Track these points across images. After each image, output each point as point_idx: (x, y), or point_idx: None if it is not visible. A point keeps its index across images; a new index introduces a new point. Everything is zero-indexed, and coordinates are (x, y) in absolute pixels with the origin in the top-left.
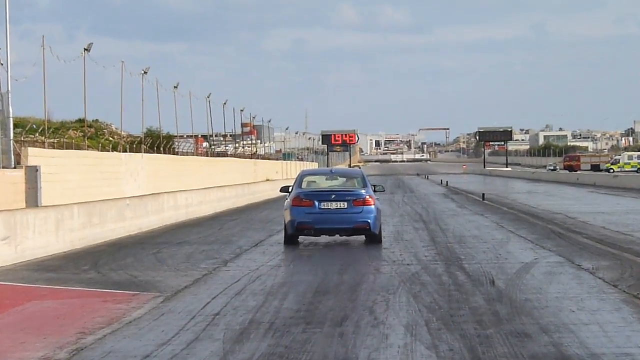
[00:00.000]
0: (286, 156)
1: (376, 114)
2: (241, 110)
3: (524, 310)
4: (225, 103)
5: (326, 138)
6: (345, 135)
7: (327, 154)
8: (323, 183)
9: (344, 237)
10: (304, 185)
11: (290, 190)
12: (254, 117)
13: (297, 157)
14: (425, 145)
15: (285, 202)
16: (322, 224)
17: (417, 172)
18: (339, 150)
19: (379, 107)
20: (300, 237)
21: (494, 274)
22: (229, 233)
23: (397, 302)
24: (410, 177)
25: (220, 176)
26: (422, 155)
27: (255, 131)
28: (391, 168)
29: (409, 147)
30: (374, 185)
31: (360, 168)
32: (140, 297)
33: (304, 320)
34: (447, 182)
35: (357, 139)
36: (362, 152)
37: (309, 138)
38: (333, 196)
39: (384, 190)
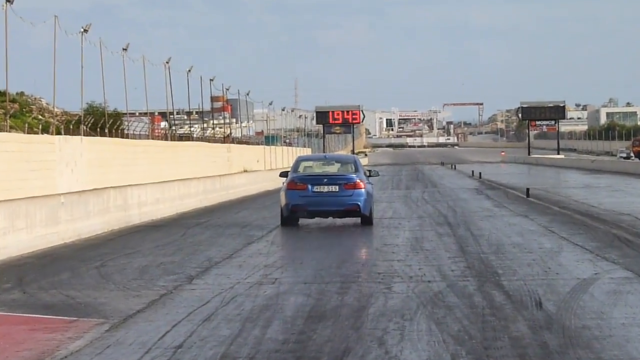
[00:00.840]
0: (270, 140)
1: (387, 85)
2: (211, 80)
3: (580, 341)
4: (189, 70)
5: (322, 116)
6: (347, 112)
7: (324, 137)
8: (318, 168)
9: (341, 257)
10: (300, 170)
11: (287, 175)
12: (227, 89)
13: (284, 141)
14: (451, 126)
15: (282, 185)
16: (315, 206)
17: (441, 161)
18: (338, 131)
19: (390, 76)
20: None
21: (542, 294)
22: (195, 240)
23: (414, 331)
24: (432, 167)
25: (183, 166)
26: (448, 139)
27: (229, 107)
28: (407, 155)
29: (431, 127)
30: (369, 170)
31: (366, 155)
32: (79, 324)
33: (292, 354)
34: (480, 173)
35: (362, 117)
36: (370, 134)
37: (300, 116)
38: (325, 180)
39: (378, 175)
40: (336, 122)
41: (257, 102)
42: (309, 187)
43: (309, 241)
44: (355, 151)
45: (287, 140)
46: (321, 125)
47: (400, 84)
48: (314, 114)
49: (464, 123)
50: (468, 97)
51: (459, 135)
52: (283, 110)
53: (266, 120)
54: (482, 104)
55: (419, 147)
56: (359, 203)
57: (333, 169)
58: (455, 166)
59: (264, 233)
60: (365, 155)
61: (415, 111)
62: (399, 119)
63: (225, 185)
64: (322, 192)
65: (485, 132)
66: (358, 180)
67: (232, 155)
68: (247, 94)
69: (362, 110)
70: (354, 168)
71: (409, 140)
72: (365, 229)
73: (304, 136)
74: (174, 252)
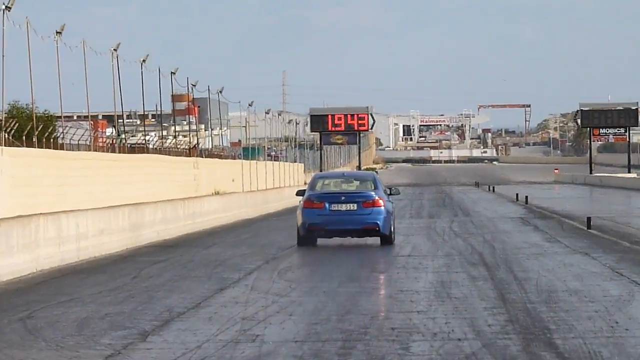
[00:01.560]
0: (250, 152)
1: (404, 82)
2: (172, 74)
3: None
4: (144, 61)
5: (318, 121)
6: (352, 116)
7: (320, 149)
8: (336, 186)
9: (344, 306)
10: (317, 187)
11: (304, 194)
12: (193, 86)
13: (269, 154)
14: (489, 135)
15: (299, 204)
16: (333, 225)
17: (476, 181)
18: (340, 142)
19: (408, 70)
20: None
21: (607, 357)
22: (151, 285)
23: None
24: (463, 189)
25: (136, 187)
26: (484, 152)
27: (196, 109)
28: (430, 173)
29: (462, 137)
30: (389, 188)
31: (377, 173)
32: None
33: None
34: (526, 197)
35: (371, 122)
36: (381, 146)
37: (290, 122)
38: (343, 198)
39: (399, 193)
40: (337, 129)
41: (232, 103)
42: (327, 205)
43: (301, 285)
44: (362, 167)
45: (273, 153)
46: (317, 133)
47: (422, 79)
48: (308, 119)
49: (506, 131)
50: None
51: (499, 147)
52: (267, 113)
53: (245, 126)
54: (529, 105)
55: (446, 162)
56: (378, 222)
57: (351, 186)
58: (493, 188)
59: (242, 275)
60: (376, 172)
61: (441, 115)
62: (420, 126)
63: (190, 212)
64: (340, 210)
65: (534, 144)
66: (377, 198)
67: (200, 172)
68: (220, 92)
69: (371, 114)
70: (373, 185)
71: (433, 154)
72: (376, 269)
73: (294, 147)
74: (123, 300)
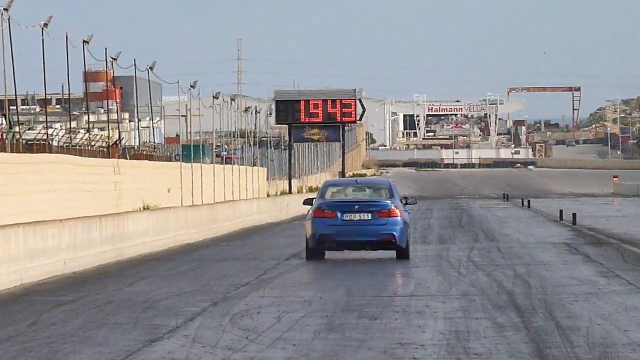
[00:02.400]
0: (191, 151)
1: (405, 56)
2: (85, 43)
3: None
4: (45, 25)
5: (287, 109)
6: (333, 102)
7: (290, 148)
8: (348, 194)
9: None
10: (327, 196)
11: (313, 202)
12: (114, 60)
13: (219, 154)
14: (522, 129)
15: (307, 213)
16: (345, 236)
17: (504, 192)
18: (316, 137)
19: (410, 40)
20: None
21: None
22: (55, 334)
23: None
24: (486, 204)
25: (34, 200)
26: (516, 152)
27: (117, 92)
28: (442, 181)
29: (485, 131)
30: (405, 197)
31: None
32: None
33: None
34: (574, 215)
35: (360, 111)
36: (374, 143)
37: (247, 110)
38: (356, 207)
39: (416, 203)
40: (312, 120)
41: (168, 84)
42: (338, 214)
43: (262, 336)
44: (347, 174)
45: (224, 153)
46: (285, 125)
47: (430, 52)
48: (272, 106)
49: (546, 124)
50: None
51: (537, 146)
52: (215, 98)
53: (185, 116)
54: (578, 89)
55: (463, 166)
56: (395, 233)
57: (365, 194)
58: (529, 202)
59: (180, 322)
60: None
61: (456, 102)
62: (428, 116)
63: (110, 234)
64: (353, 220)
65: (585, 141)
66: (393, 208)
67: (123, 179)
68: (151, 69)
69: (359, 100)
70: (388, 193)
71: (445, 155)
72: (366, 314)
73: (253, 146)
74: (15, 357)
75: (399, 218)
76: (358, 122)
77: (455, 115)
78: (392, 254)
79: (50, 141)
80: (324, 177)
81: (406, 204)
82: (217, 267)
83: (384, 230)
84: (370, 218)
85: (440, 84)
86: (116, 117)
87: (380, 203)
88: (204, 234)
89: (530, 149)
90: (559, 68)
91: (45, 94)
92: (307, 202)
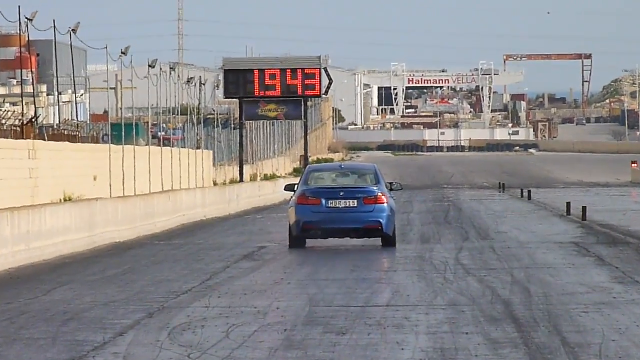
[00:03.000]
0: (122, 131)
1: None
2: None
3: None
4: None
5: (237, 80)
6: (293, 72)
7: (241, 128)
8: (332, 180)
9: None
10: (310, 182)
11: (295, 188)
12: (29, 20)
13: (156, 135)
14: (522, 105)
15: (290, 200)
16: (330, 223)
17: (500, 181)
18: (274, 115)
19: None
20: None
21: None
22: None
23: None
24: (478, 194)
25: None
26: (514, 132)
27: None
28: (424, 167)
29: (476, 107)
30: (390, 183)
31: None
32: None
33: None
34: (583, 209)
35: (325, 83)
36: (342, 122)
37: (190, 81)
38: (342, 193)
39: (401, 188)
40: (268, 93)
41: (94, 50)
42: (323, 201)
43: (206, 355)
44: (312, 157)
45: (162, 134)
46: (235, 99)
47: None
48: (220, 76)
49: (551, 98)
50: (558, 42)
51: (539, 125)
52: (152, 66)
53: (115, 88)
54: (589, 56)
55: (450, 149)
56: (381, 220)
57: (349, 180)
58: (529, 193)
59: (109, 336)
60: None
61: (442, 72)
62: (408, 89)
63: (24, 230)
64: (338, 207)
65: (597, 119)
66: (380, 194)
67: (39, 165)
68: (73, 31)
69: (325, 69)
70: (374, 179)
71: (429, 136)
72: (332, 328)
73: (197, 124)
74: None
75: (385, 205)
76: (323, 96)
77: (441, 87)
78: (373, 244)
79: None
80: (282, 162)
81: (391, 189)
82: (153, 271)
83: (370, 217)
84: (355, 205)
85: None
86: (31, 90)
87: (366, 189)
88: (137, 230)
89: (532, 129)
90: (566, 30)
91: None
92: (289, 188)
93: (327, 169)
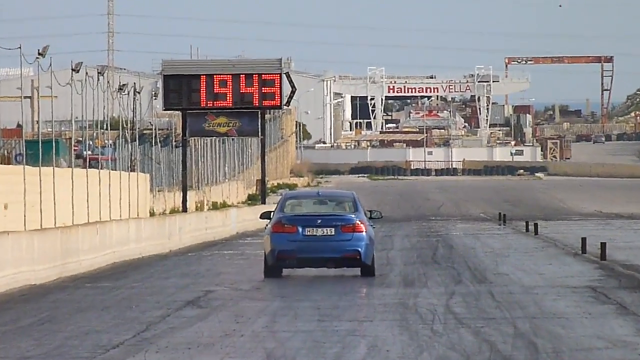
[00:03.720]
0: (40, 149)
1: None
2: None
3: None
4: None
5: (179, 88)
6: (249, 78)
7: (184, 146)
8: (310, 207)
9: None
10: (286, 209)
11: (271, 216)
12: None
13: (81, 154)
14: (528, 118)
15: (266, 228)
16: (307, 252)
17: (500, 211)
18: (224, 131)
19: None
20: None
21: None
22: None
23: None
24: (473, 228)
25: None
26: (517, 152)
27: None
28: (407, 195)
29: (472, 121)
30: (370, 211)
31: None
32: None
33: None
34: (602, 246)
35: (288, 91)
36: (308, 139)
37: (122, 88)
38: (319, 221)
39: (381, 217)
40: (218, 103)
41: (5, 50)
42: (300, 229)
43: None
44: (271, 183)
45: (88, 153)
46: (178, 111)
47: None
48: (159, 83)
49: (562, 111)
50: (572, 42)
51: (548, 143)
52: (76, 71)
53: (31, 97)
54: (610, 59)
55: (439, 173)
56: (360, 249)
57: (327, 208)
58: (536, 226)
59: None
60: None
61: (430, 78)
62: (388, 100)
63: None
64: (316, 235)
65: (618, 136)
66: (358, 222)
67: None
68: None
69: (288, 74)
70: (352, 207)
71: (414, 156)
72: None
73: (131, 142)
74: None
75: (364, 233)
76: (285, 107)
77: (428, 98)
78: (350, 275)
79: None
80: (234, 188)
81: (371, 217)
82: (77, 320)
83: (348, 246)
84: (333, 233)
85: (407, 51)
86: None
87: (344, 217)
88: (57, 270)
89: (539, 148)
90: (582, 29)
91: None
92: (265, 215)
93: (304, 196)
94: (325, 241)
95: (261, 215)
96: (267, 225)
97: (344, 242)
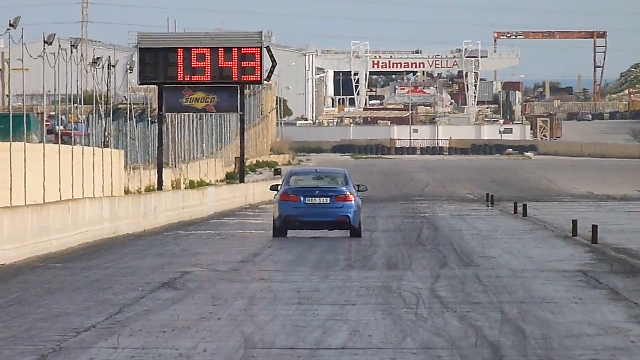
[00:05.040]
0: (10, 124)
1: None
2: None
3: None
4: None
5: (156, 62)
6: (227, 52)
7: (160, 122)
8: (309, 182)
9: None
10: (292, 182)
11: (279, 188)
12: None
13: (53, 129)
14: (517, 95)
15: (274, 198)
16: (307, 216)
17: (488, 192)
18: (202, 106)
19: None
20: None
21: None
22: None
23: None
24: (459, 209)
25: None
26: (506, 130)
27: None
28: (391, 174)
29: (459, 98)
30: (357, 185)
31: (276, 174)
32: None
33: None
34: (594, 227)
35: (268, 66)
36: (289, 116)
37: (96, 62)
38: (317, 192)
39: (366, 190)
40: (195, 78)
41: None
42: (302, 198)
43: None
44: (250, 160)
45: (60, 128)
46: (154, 85)
47: None
48: (135, 56)
49: (553, 88)
50: (563, 17)
51: (537, 121)
52: (49, 43)
53: (1, 69)
54: (603, 34)
55: (424, 151)
56: (349, 214)
57: (324, 182)
58: (525, 207)
59: None
60: (277, 173)
61: (415, 53)
62: (371, 75)
63: None
64: (314, 203)
65: (612, 114)
66: (348, 193)
67: None
68: None
69: (268, 48)
70: (344, 181)
71: (398, 134)
72: None
73: (105, 117)
74: None
75: (352, 202)
76: (265, 82)
77: (414, 73)
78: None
79: None
80: (212, 166)
81: (358, 190)
82: (48, 302)
83: (340, 212)
84: (328, 202)
85: (391, 25)
86: None
87: (337, 189)
88: (27, 250)
89: (529, 127)
90: (574, 3)
91: None
92: (274, 188)
93: (305, 173)
94: (322, 208)
95: (270, 187)
96: (275, 195)
97: (337, 209)
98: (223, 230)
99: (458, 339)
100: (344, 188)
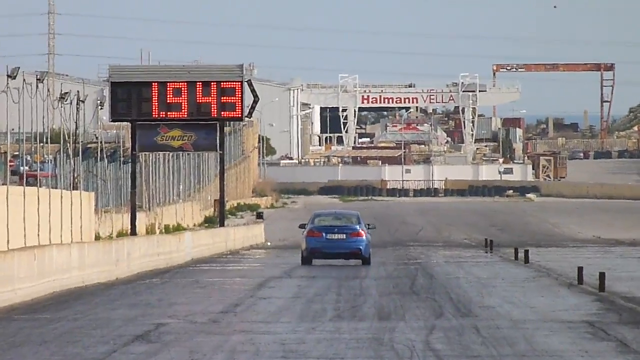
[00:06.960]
0: None
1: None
2: None
3: None
4: None
5: (128, 97)
6: (206, 86)
7: (134, 161)
8: (329, 221)
9: None
10: (315, 222)
11: (305, 226)
12: None
13: (17, 170)
14: (518, 133)
15: (302, 234)
16: (328, 249)
17: (486, 236)
18: (179, 143)
19: None
20: None
21: None
22: None
23: None
24: (455, 255)
25: None
26: (506, 170)
27: None
28: (383, 217)
29: (455, 136)
30: (368, 224)
31: (258, 218)
32: None
33: None
34: (601, 275)
35: (249, 101)
36: (272, 155)
37: (64, 97)
38: (336, 230)
39: (375, 227)
40: (172, 115)
41: None
42: (324, 234)
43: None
44: (231, 203)
45: (24, 169)
46: (126, 122)
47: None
48: (106, 91)
49: (557, 124)
50: (568, 48)
51: (540, 160)
52: (12, 77)
53: None
54: (611, 67)
55: (418, 193)
56: (361, 247)
57: (341, 221)
58: (526, 253)
59: None
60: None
61: (409, 87)
62: (361, 110)
63: None
64: (334, 238)
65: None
66: (360, 230)
67: None
68: None
69: (250, 82)
70: (357, 221)
71: (390, 174)
72: None
73: (75, 155)
74: None
75: (364, 237)
76: (247, 119)
77: (407, 109)
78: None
79: None
80: (189, 209)
81: (368, 228)
82: (11, 357)
83: (354, 245)
84: (344, 237)
85: (382, 57)
86: None
87: (351, 227)
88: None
89: (531, 166)
90: (580, 33)
91: None
92: (302, 226)
93: (326, 215)
94: (339, 242)
95: (300, 225)
96: (302, 232)
97: (351, 242)
98: (201, 278)
99: None
100: (357, 226)
